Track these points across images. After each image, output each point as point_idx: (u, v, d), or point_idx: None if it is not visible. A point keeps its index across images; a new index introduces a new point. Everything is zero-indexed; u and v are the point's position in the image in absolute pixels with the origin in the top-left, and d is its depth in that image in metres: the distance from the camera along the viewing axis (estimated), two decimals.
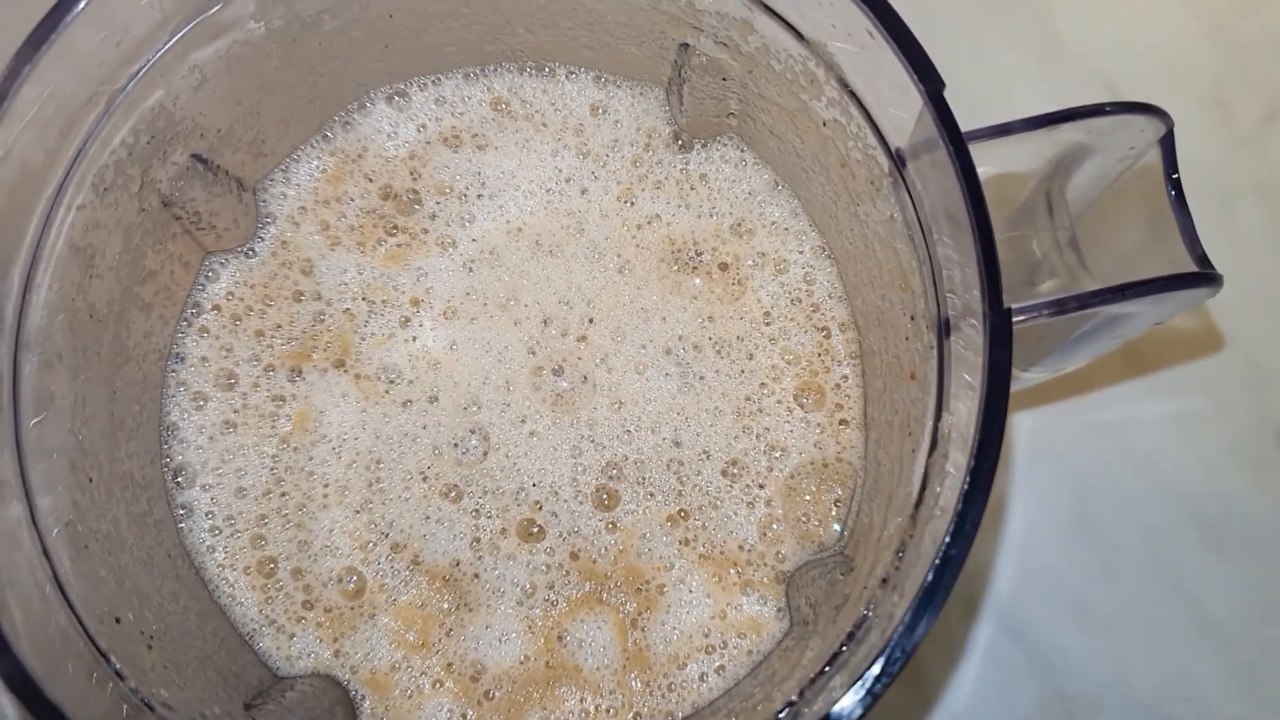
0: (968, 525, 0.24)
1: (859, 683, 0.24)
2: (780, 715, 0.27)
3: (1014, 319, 0.27)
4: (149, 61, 0.31)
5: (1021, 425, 0.45)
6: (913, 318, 0.30)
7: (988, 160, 0.30)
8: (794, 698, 0.27)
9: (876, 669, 0.24)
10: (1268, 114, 0.48)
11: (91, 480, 0.31)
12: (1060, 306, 0.28)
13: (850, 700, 0.24)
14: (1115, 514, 0.45)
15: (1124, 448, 0.45)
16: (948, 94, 0.27)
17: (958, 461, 0.25)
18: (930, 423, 0.28)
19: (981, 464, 0.24)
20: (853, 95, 0.30)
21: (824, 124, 0.32)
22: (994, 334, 0.25)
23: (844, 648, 0.26)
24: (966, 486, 0.24)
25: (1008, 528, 0.44)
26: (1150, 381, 0.46)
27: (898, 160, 0.29)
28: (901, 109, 0.28)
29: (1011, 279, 0.34)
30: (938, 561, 0.24)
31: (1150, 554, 0.44)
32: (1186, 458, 0.45)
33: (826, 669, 0.26)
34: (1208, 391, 0.45)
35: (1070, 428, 0.45)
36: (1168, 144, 0.31)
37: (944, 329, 0.28)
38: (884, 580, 0.27)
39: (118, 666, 0.28)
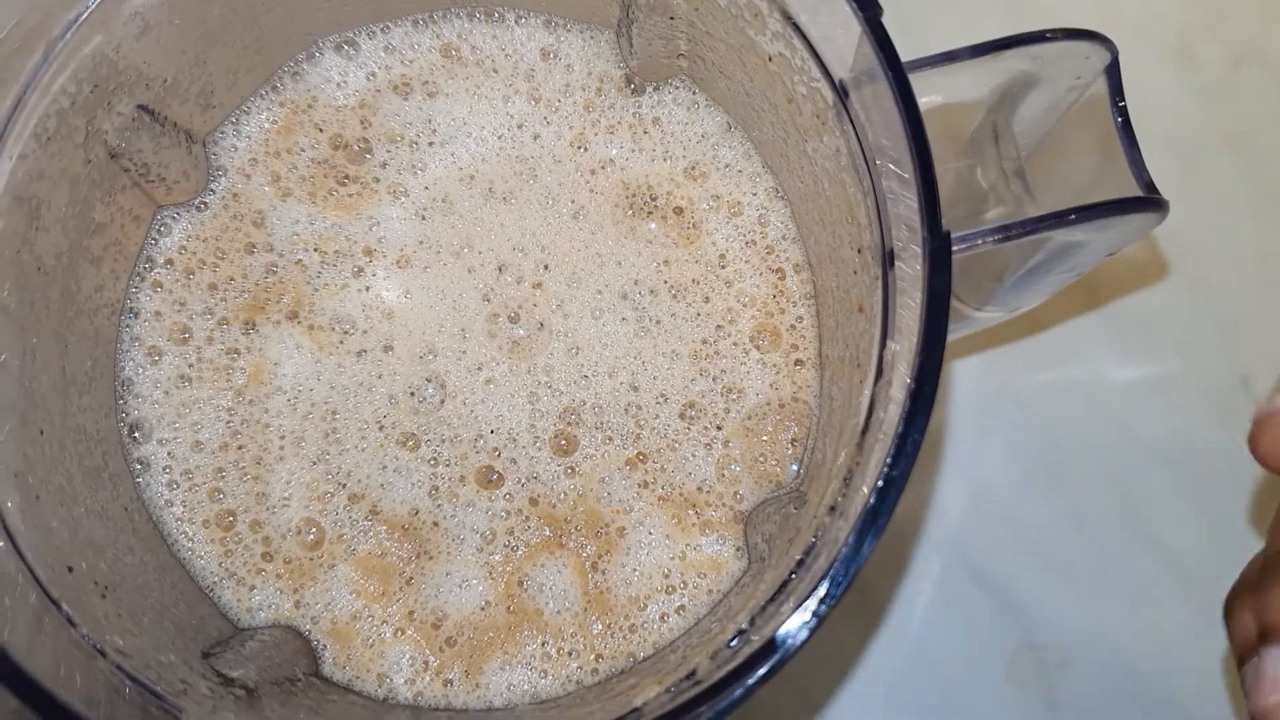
0: (908, 446, 0.24)
1: (803, 606, 0.24)
2: (731, 644, 0.27)
3: (958, 245, 0.27)
4: (88, 8, 0.31)
5: (980, 367, 0.45)
6: (859, 250, 0.30)
7: (935, 89, 0.30)
8: (744, 625, 0.27)
9: (821, 591, 0.24)
10: (1233, 63, 0.48)
11: (43, 433, 0.31)
12: (1004, 232, 0.28)
13: (795, 623, 0.24)
14: (1082, 460, 0.45)
15: (1091, 395, 0.45)
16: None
17: (901, 386, 0.25)
18: (876, 352, 0.28)
19: (922, 386, 0.24)
20: (796, 27, 0.30)
21: (769, 59, 0.32)
22: (933, 258, 0.25)
23: (793, 575, 0.27)
24: (907, 408, 0.24)
25: (970, 472, 0.44)
26: (1117, 329, 0.46)
27: (841, 92, 0.29)
28: (843, 39, 0.28)
29: (959, 210, 0.34)
30: (880, 483, 0.24)
31: (1120, 500, 0.44)
32: (1155, 406, 0.45)
33: (777, 596, 0.27)
34: (1177, 341, 0.46)
35: (1035, 373, 0.45)
36: (1114, 72, 0.31)
37: (888, 259, 0.28)
38: (832, 508, 0.27)
39: (69, 613, 0.27)
